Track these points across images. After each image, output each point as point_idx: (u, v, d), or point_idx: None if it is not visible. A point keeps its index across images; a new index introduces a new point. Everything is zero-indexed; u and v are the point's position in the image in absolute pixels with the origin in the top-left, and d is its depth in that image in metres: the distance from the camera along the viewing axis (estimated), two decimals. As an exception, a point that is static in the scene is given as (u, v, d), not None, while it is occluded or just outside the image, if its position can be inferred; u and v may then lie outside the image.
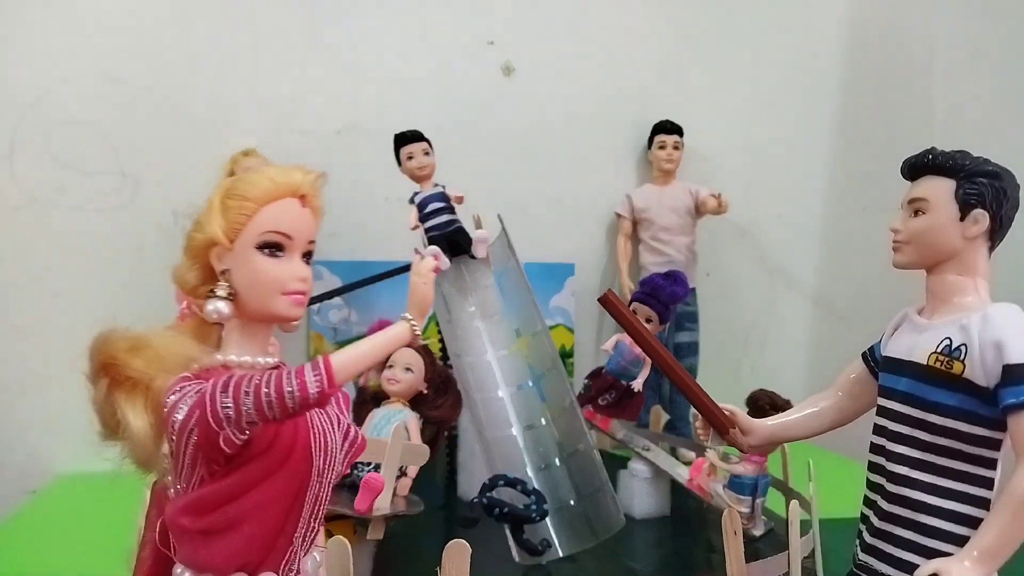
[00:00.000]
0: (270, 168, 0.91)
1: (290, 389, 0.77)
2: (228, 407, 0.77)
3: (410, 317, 0.90)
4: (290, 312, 0.88)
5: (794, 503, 1.28)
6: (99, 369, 0.84)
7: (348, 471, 1.60)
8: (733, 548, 1.13)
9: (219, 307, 0.87)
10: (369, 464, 1.58)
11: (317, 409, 0.90)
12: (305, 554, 0.91)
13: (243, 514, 0.83)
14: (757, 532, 1.76)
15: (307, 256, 0.91)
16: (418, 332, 0.89)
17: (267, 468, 0.84)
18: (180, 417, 0.79)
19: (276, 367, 0.91)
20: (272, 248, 0.87)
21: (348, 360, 0.82)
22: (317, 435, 0.89)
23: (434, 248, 2.01)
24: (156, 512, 0.92)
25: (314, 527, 0.91)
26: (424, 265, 0.93)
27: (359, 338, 2.73)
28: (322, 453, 0.90)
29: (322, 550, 0.95)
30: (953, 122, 2.84)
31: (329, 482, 0.92)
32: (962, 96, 2.83)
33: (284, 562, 0.87)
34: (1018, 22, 2.66)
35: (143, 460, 0.86)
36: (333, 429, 0.92)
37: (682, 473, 1.98)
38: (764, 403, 1.66)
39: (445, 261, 2.01)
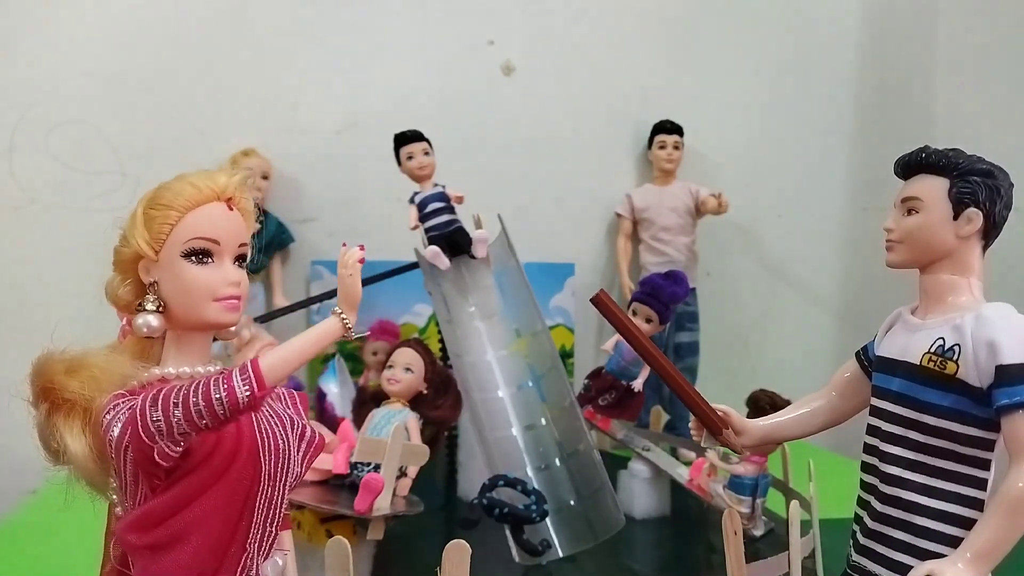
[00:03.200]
0: (193, 172, 0.88)
1: (219, 396, 0.76)
2: (158, 420, 0.76)
3: (340, 311, 0.87)
4: (223, 318, 0.86)
5: (794, 503, 1.27)
6: (39, 394, 0.83)
7: (347, 472, 1.61)
8: (733, 548, 1.13)
9: (148, 320, 0.84)
10: (369, 464, 1.58)
11: (267, 412, 0.89)
12: (265, 559, 0.89)
13: (189, 526, 0.81)
14: (757, 532, 1.76)
15: (240, 259, 0.89)
16: (349, 326, 0.86)
17: (209, 477, 0.82)
18: (115, 435, 0.78)
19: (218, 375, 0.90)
20: (199, 255, 0.85)
21: (278, 361, 0.80)
22: (264, 438, 0.87)
23: (433, 248, 2.01)
24: (113, 530, 0.91)
25: (271, 531, 0.89)
26: (350, 256, 0.89)
27: (360, 338, 2.73)
28: (272, 456, 0.87)
29: (284, 553, 0.93)
30: (953, 122, 2.84)
31: (285, 485, 0.90)
32: (962, 96, 2.83)
33: (240, 569, 0.86)
34: (1019, 22, 2.66)
35: (89, 482, 0.85)
36: (285, 431, 0.90)
37: (682, 473, 1.98)
38: (764, 403, 1.66)
39: (445, 261, 2.01)
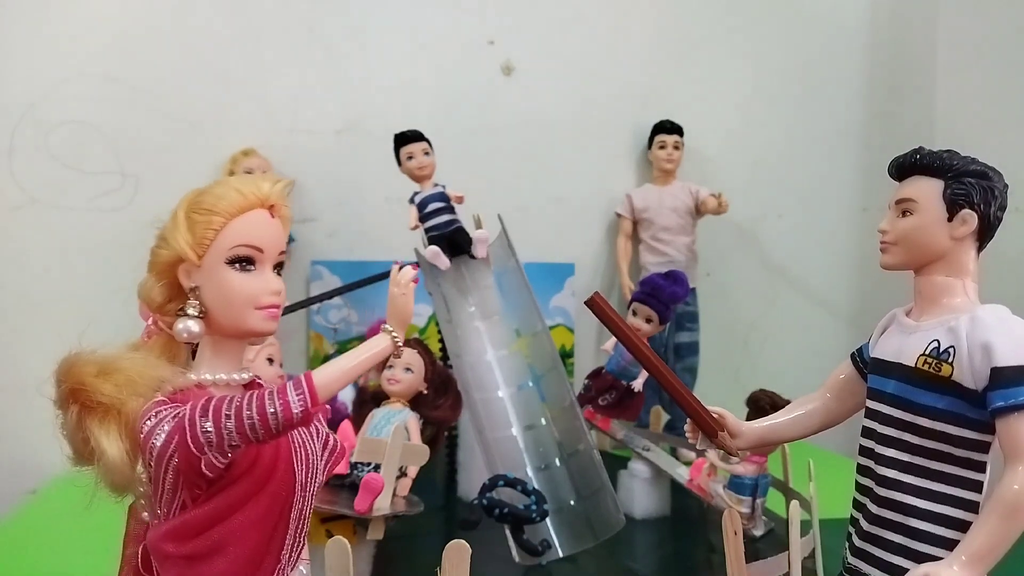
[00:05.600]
0: (236, 178, 0.88)
1: (273, 410, 0.75)
2: (209, 431, 0.75)
3: (391, 329, 0.88)
4: (264, 327, 0.86)
5: (794, 503, 1.27)
6: (67, 395, 0.81)
7: (347, 472, 1.61)
8: (733, 548, 1.13)
9: (189, 326, 0.84)
10: (369, 464, 1.58)
11: None
12: (292, 569, 0.89)
13: (228, 537, 0.81)
14: (757, 532, 1.76)
15: (278, 267, 0.88)
16: (400, 344, 0.88)
17: (251, 489, 0.82)
18: (159, 443, 0.77)
19: (251, 382, 0.90)
20: (243, 262, 0.84)
21: (331, 377, 0.80)
22: (298, 449, 0.87)
23: (433, 248, 2.01)
24: (133, 536, 0.90)
25: (300, 541, 0.90)
26: (403, 276, 0.92)
27: (360, 338, 2.72)
28: (304, 467, 0.88)
29: (307, 562, 0.93)
30: (953, 122, 2.84)
31: (312, 494, 0.90)
32: (962, 96, 2.83)
33: None
34: (1019, 22, 2.66)
35: (120, 486, 0.84)
36: (313, 441, 0.90)
37: (682, 473, 1.98)
38: (764, 403, 1.66)
39: (445, 261, 2.01)
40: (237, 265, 0.84)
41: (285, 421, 0.76)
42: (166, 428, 0.77)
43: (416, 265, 0.94)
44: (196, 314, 0.84)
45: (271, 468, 0.84)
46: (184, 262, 0.85)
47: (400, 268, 0.93)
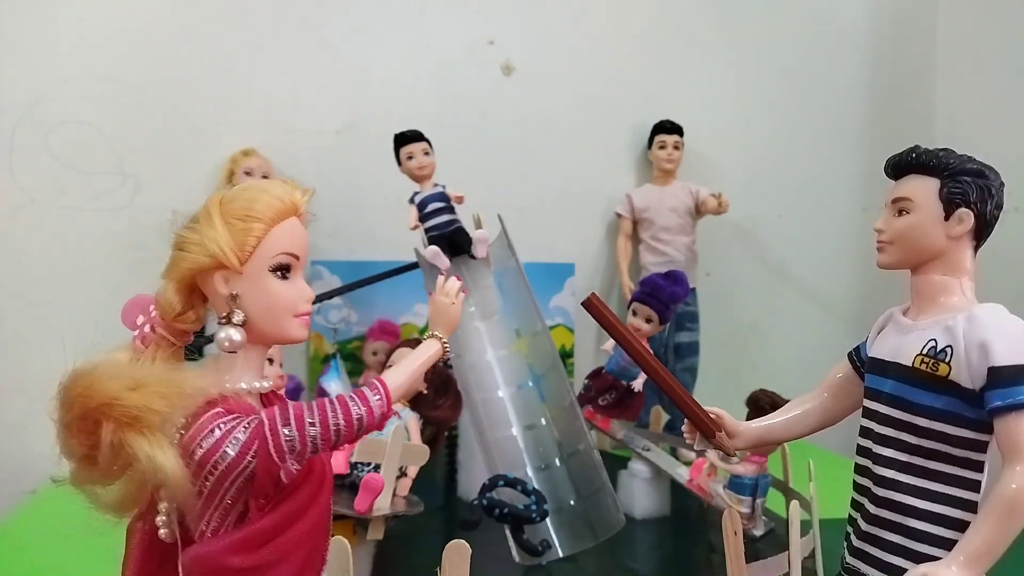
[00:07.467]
0: (267, 184, 0.86)
1: (359, 415, 0.80)
2: (291, 439, 0.78)
3: (440, 335, 0.96)
4: (302, 334, 0.86)
5: (794, 503, 1.27)
6: (94, 413, 0.75)
7: (347, 472, 1.61)
8: (733, 548, 1.13)
9: (231, 335, 0.82)
10: (369, 464, 1.58)
11: None
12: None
13: (294, 544, 0.82)
14: (757, 532, 1.76)
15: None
16: (448, 348, 0.97)
17: (311, 494, 0.85)
18: (233, 453, 0.76)
19: (269, 392, 0.90)
20: (284, 270, 0.85)
21: (400, 380, 0.88)
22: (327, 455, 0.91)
23: (433, 248, 2.01)
24: (135, 554, 0.87)
25: (329, 544, 0.93)
26: (451, 286, 1.00)
27: (359, 338, 2.71)
28: (330, 470, 0.91)
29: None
30: (953, 122, 2.84)
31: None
32: (962, 96, 2.83)
33: None
34: (1019, 22, 2.66)
35: (175, 499, 0.80)
36: None
37: (682, 473, 1.98)
38: (764, 403, 1.65)
39: (445, 261, 2.01)
40: (278, 273, 0.84)
41: (368, 424, 0.81)
42: (240, 438, 0.77)
43: (459, 277, 1.05)
44: (240, 322, 0.83)
45: (323, 474, 0.87)
46: (222, 268, 0.82)
47: (446, 279, 1.03)
